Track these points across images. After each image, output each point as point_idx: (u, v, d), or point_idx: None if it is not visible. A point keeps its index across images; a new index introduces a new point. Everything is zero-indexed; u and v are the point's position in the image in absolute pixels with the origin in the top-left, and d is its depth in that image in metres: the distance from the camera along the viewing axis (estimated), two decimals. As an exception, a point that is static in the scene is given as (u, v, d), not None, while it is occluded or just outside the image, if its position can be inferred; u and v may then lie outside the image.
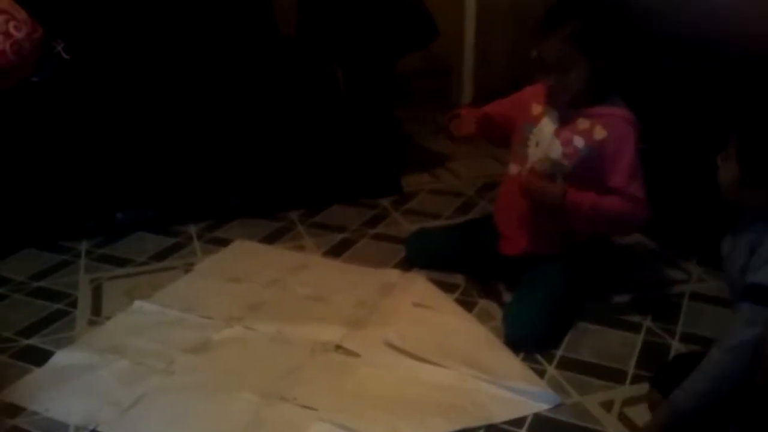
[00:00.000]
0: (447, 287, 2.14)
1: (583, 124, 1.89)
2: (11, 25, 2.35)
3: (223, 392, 1.70)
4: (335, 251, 2.41)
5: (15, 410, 1.67)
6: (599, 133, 1.87)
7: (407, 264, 2.29)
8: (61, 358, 1.85)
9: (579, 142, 1.89)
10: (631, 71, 2.35)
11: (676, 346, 1.84)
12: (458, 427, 1.57)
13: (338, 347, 1.86)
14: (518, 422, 1.59)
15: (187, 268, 2.31)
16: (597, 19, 1.83)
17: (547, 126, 1.96)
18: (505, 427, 1.58)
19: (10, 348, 1.91)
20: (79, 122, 2.43)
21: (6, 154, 2.36)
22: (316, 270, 2.29)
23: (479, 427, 1.58)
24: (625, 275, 2.18)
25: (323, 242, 2.47)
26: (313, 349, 1.86)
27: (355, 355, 1.84)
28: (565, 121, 1.92)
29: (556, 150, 1.92)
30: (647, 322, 1.95)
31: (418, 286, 2.15)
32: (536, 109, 2.00)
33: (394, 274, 2.22)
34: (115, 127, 2.46)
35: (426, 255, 2.26)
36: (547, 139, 1.95)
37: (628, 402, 1.64)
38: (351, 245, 2.45)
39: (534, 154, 1.98)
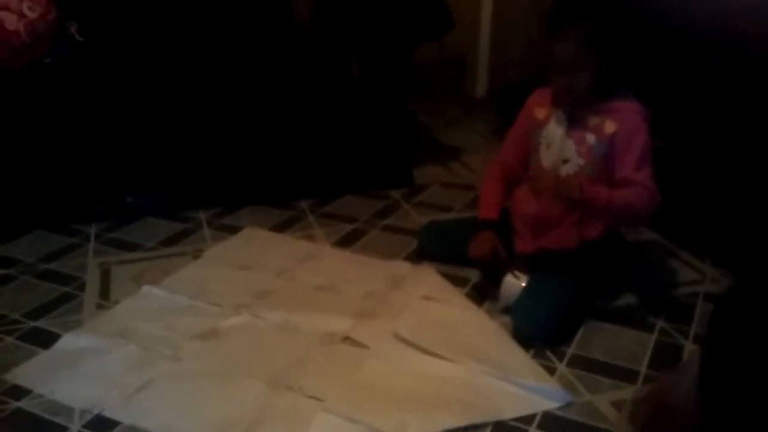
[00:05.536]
0: (458, 281, 2.12)
1: (593, 120, 1.87)
2: (25, 5, 2.34)
3: (230, 380, 1.69)
4: (345, 242, 2.39)
5: (20, 392, 1.66)
6: (610, 127, 1.85)
7: (418, 255, 2.27)
8: (68, 341, 1.85)
9: (591, 138, 1.87)
10: (649, 69, 2.32)
11: (690, 347, 1.82)
12: (466, 422, 1.55)
13: (346, 338, 1.84)
14: (527, 419, 1.57)
15: (197, 254, 2.30)
16: (612, 20, 1.80)
17: (555, 127, 1.94)
18: (514, 424, 1.56)
19: (17, 330, 1.90)
20: (90, 105, 2.42)
21: (18, 135, 2.36)
22: (326, 260, 2.27)
23: (487, 423, 1.56)
24: (639, 274, 2.16)
25: (333, 232, 2.45)
26: (321, 339, 1.84)
27: (364, 346, 1.82)
28: (574, 119, 1.90)
29: (570, 150, 1.90)
30: (660, 322, 1.92)
31: (429, 279, 2.13)
32: (540, 112, 1.99)
33: (404, 267, 2.20)
34: (126, 111, 2.45)
35: (438, 247, 2.23)
36: (558, 140, 1.93)
37: (640, 402, 1.62)
38: (361, 236, 2.43)
39: (546, 156, 1.96)
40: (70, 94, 2.40)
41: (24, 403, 1.63)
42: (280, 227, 2.49)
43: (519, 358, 1.76)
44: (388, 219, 2.56)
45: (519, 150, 2.10)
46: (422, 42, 2.82)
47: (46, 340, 1.85)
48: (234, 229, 2.47)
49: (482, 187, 2.19)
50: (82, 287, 2.11)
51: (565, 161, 1.92)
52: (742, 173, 2.11)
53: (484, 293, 2.05)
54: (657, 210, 1.82)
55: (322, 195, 2.72)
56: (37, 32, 2.37)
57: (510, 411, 1.59)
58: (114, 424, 1.56)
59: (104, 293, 2.08)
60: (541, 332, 1.82)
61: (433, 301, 2.01)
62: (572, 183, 1.80)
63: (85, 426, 1.56)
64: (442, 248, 2.21)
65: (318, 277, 2.14)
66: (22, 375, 1.72)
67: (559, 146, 1.93)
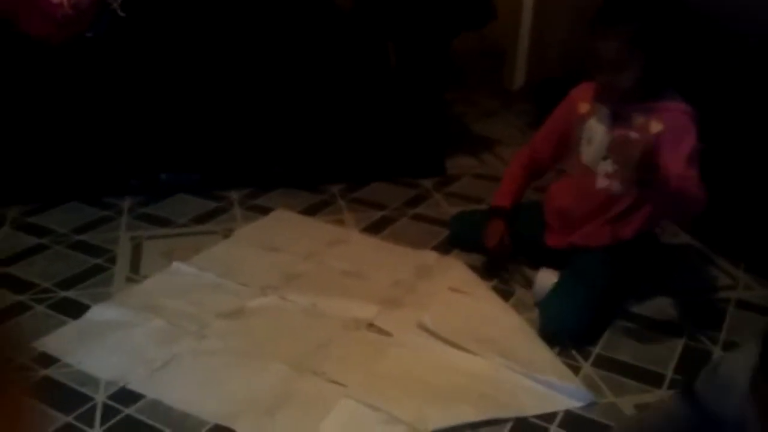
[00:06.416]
0: (485, 273, 2.10)
1: (638, 119, 1.83)
2: (70, -22, 2.36)
3: (254, 360, 1.70)
4: (374, 228, 2.39)
5: (48, 360, 1.69)
6: (655, 127, 1.80)
7: (448, 244, 2.26)
8: (97, 312, 1.87)
9: (634, 137, 1.83)
10: (696, 69, 2.27)
11: (718, 353, 1.79)
12: (487, 416, 1.55)
13: (371, 325, 1.85)
14: (549, 417, 1.56)
15: (227, 233, 2.31)
16: (657, 20, 1.76)
17: (596, 123, 1.91)
18: (535, 421, 1.55)
19: (47, 299, 1.94)
20: (130, 80, 2.43)
21: (57, 107, 2.39)
22: (354, 246, 2.27)
23: (508, 419, 1.55)
24: (671, 277, 2.12)
25: (363, 218, 2.45)
26: (345, 324, 1.85)
27: (388, 334, 1.82)
28: (618, 117, 1.86)
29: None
30: (690, 327, 1.89)
31: (456, 270, 2.12)
32: (583, 107, 1.95)
33: (431, 257, 2.19)
34: (165, 88, 2.47)
35: (469, 236, 2.21)
36: (599, 136, 1.90)
37: (664, 407, 1.60)
38: (390, 223, 2.43)
39: (587, 151, 1.93)
40: (110, 70, 2.41)
41: (51, 371, 1.66)
42: (310, 210, 2.49)
43: (544, 355, 1.75)
44: (418, 208, 2.55)
45: (552, 141, 2.07)
46: (463, 31, 2.79)
47: (75, 310, 1.88)
48: (265, 210, 2.47)
49: (506, 171, 2.19)
50: (113, 260, 2.13)
51: (605, 158, 1.89)
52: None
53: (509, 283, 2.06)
54: (704, 207, 1.73)
55: (354, 180, 2.71)
56: (81, 6, 2.38)
57: (532, 408, 1.58)
58: (138, 397, 1.58)
59: (134, 267, 2.10)
60: (567, 330, 1.80)
61: (460, 293, 2.00)
62: (651, 162, 1.62)
63: (110, 398, 1.58)
64: (473, 238, 2.19)
65: (345, 263, 2.14)
66: (50, 343, 1.75)
67: (600, 143, 1.89)
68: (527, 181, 2.16)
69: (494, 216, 2.10)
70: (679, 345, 1.82)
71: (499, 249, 2.06)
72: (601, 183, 1.91)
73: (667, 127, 1.78)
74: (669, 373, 1.71)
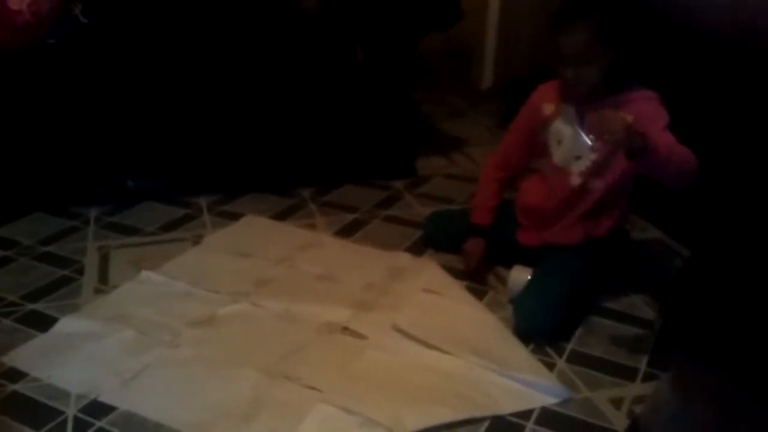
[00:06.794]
0: (459, 273, 2.10)
1: None
2: (30, -16, 2.32)
3: (227, 368, 1.68)
4: (346, 231, 2.38)
5: (17, 375, 1.66)
6: (626, 118, 1.81)
7: (422, 244, 2.26)
8: (66, 325, 1.84)
9: (607, 110, 1.82)
10: (660, 64, 2.29)
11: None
12: (464, 416, 1.55)
13: (345, 329, 1.84)
14: (525, 415, 1.57)
15: (196, 240, 2.29)
16: (620, 12, 1.78)
17: (563, 124, 1.92)
18: (512, 419, 1.56)
19: (14, 312, 1.90)
20: (92, 87, 2.40)
21: (18, 116, 2.34)
22: (326, 249, 2.26)
23: (485, 418, 1.55)
24: (641, 272, 2.14)
25: (334, 221, 2.44)
26: (319, 329, 1.83)
27: (362, 337, 1.81)
28: (585, 116, 1.87)
29: (582, 145, 1.87)
30: (661, 320, 1.90)
31: (429, 271, 2.11)
32: (548, 108, 1.96)
33: (404, 258, 2.19)
34: (128, 94, 2.44)
35: (443, 236, 2.22)
36: (568, 136, 1.90)
37: (639, 400, 1.61)
38: (362, 226, 2.42)
39: (557, 152, 1.94)
40: (72, 76, 2.37)
41: (20, 386, 1.62)
42: (280, 215, 2.48)
43: (518, 353, 1.75)
44: (390, 209, 2.55)
45: (522, 147, 2.06)
46: (429, 32, 2.79)
47: (43, 323, 1.84)
48: (235, 216, 2.45)
49: (479, 186, 2.17)
50: (80, 271, 2.10)
51: (577, 157, 1.90)
52: (751, 172, 2.09)
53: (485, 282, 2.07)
54: (697, 171, 1.68)
55: (324, 184, 2.70)
56: (41, 12, 2.34)
57: (508, 406, 1.58)
58: (110, 409, 1.56)
59: (103, 277, 2.07)
60: (541, 329, 1.81)
61: (434, 294, 2.00)
62: (636, 131, 1.62)
63: (81, 411, 1.55)
64: (447, 236, 2.19)
65: (318, 267, 2.13)
66: (19, 358, 1.71)
67: (571, 142, 1.90)
68: (504, 193, 2.15)
69: (475, 235, 2.09)
70: (650, 339, 1.84)
71: (476, 268, 2.08)
72: (575, 181, 1.92)
73: (637, 116, 1.78)
74: (642, 367, 1.73)
